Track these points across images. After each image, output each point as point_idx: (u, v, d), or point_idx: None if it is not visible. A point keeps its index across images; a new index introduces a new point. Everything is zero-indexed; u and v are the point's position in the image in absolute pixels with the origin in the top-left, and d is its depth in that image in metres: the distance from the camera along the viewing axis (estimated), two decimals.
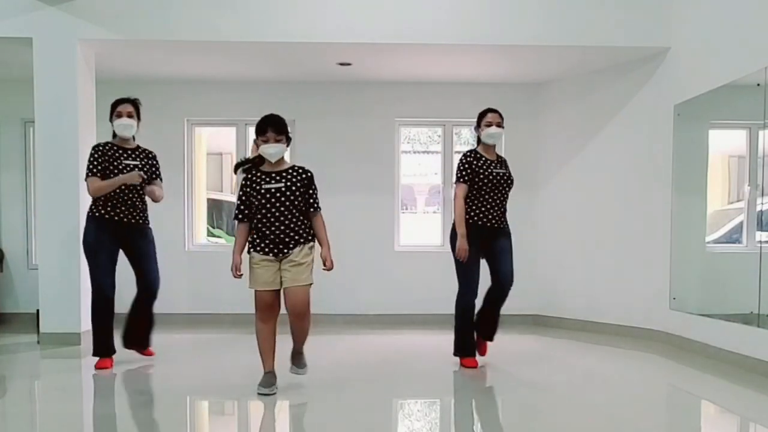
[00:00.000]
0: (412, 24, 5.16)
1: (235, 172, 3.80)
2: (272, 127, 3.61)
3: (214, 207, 7.41)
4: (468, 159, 4.36)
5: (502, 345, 5.08)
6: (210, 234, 7.11)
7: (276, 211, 3.59)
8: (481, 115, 4.44)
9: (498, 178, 4.36)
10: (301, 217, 3.65)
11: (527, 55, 5.51)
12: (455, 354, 4.50)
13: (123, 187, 4.25)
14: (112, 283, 4.33)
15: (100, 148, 4.31)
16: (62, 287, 5.12)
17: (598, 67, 5.85)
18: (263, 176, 3.64)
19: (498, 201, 4.38)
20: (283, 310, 3.66)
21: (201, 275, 6.39)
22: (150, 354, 4.65)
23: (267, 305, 3.63)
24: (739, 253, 4.82)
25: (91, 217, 4.31)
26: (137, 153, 4.40)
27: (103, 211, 4.26)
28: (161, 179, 4.50)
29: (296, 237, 3.62)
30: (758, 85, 4.28)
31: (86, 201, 4.42)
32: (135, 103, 4.39)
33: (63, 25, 5.07)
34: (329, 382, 4.06)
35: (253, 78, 6.29)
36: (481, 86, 6.33)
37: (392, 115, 6.47)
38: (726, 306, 4.79)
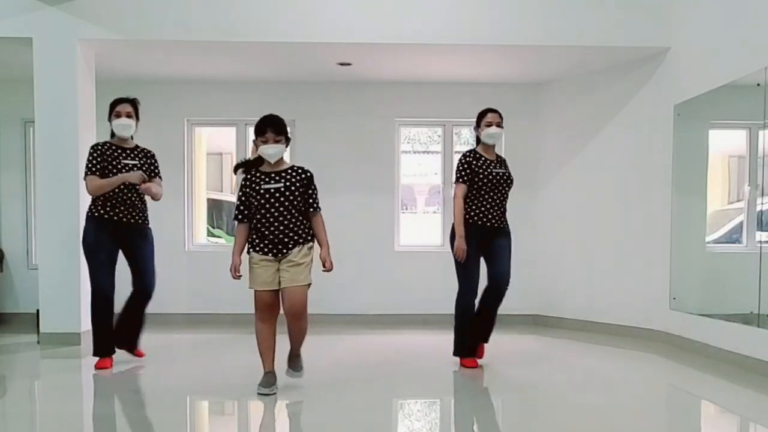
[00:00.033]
0: (412, 24, 5.16)
1: (235, 173, 3.80)
2: (271, 127, 3.60)
3: (214, 207, 7.41)
4: (467, 159, 4.36)
5: (502, 345, 5.09)
6: (210, 234, 7.11)
7: (275, 211, 3.59)
8: (481, 115, 4.44)
9: (498, 177, 4.36)
10: (301, 218, 3.65)
11: (527, 55, 5.51)
12: (455, 354, 4.50)
13: (122, 186, 4.24)
14: (112, 283, 4.32)
15: (99, 147, 4.31)
16: (62, 287, 5.12)
17: (598, 67, 5.85)
18: (262, 176, 3.64)
19: (498, 201, 4.38)
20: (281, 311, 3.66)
21: (201, 275, 6.39)
22: (141, 355, 4.60)
23: (266, 305, 3.63)
24: (739, 253, 4.82)
25: (90, 217, 4.31)
26: (136, 152, 4.39)
27: (102, 211, 4.26)
28: (160, 177, 4.50)
29: (295, 237, 3.62)
30: (758, 85, 4.28)
31: (86, 201, 4.42)
32: (134, 102, 4.39)
33: (63, 25, 5.07)
34: (329, 382, 4.06)
35: (253, 78, 6.29)
36: (481, 86, 6.33)
37: (392, 115, 6.47)
38: (726, 306, 4.79)
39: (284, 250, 3.60)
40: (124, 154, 4.33)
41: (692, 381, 4.34)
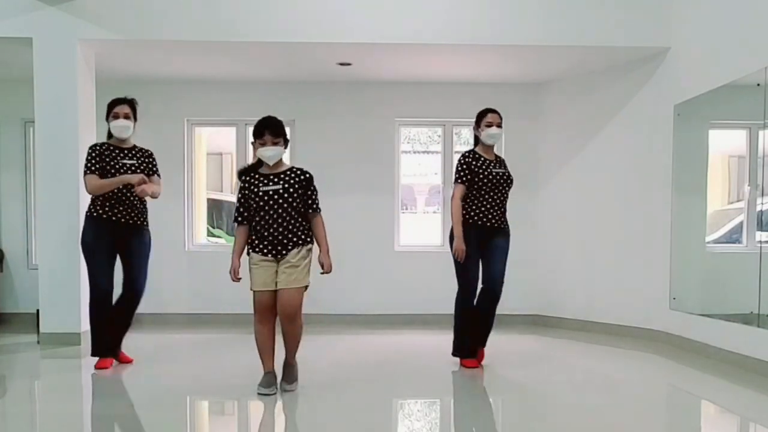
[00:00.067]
0: (412, 24, 5.16)
1: (239, 179, 3.79)
2: (269, 129, 3.60)
3: (214, 207, 7.41)
4: (467, 159, 4.36)
5: (502, 345, 5.09)
6: (210, 234, 7.11)
7: (274, 213, 3.58)
8: (481, 115, 4.44)
9: (498, 177, 4.36)
10: (300, 219, 3.65)
11: (527, 55, 5.51)
12: (454, 354, 4.50)
13: (122, 187, 4.23)
14: (111, 283, 4.32)
15: (97, 147, 4.30)
16: (62, 287, 5.12)
17: (598, 67, 5.85)
18: (261, 178, 3.64)
19: (498, 201, 4.38)
20: None
21: (201, 275, 6.39)
22: (128, 360, 4.52)
23: (265, 306, 3.63)
24: (739, 253, 4.82)
25: (89, 217, 4.31)
26: (134, 152, 4.39)
27: (101, 211, 4.25)
28: (159, 176, 4.48)
29: (294, 239, 3.62)
30: (758, 85, 4.28)
31: (86, 201, 4.41)
32: (132, 103, 4.38)
33: (63, 25, 5.07)
34: (329, 382, 4.06)
35: (253, 78, 6.29)
36: (481, 86, 6.33)
37: (392, 115, 6.47)
38: (726, 306, 4.79)
39: (283, 251, 3.60)
40: (122, 154, 4.32)
41: (692, 381, 4.34)
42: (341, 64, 5.80)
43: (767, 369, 4.13)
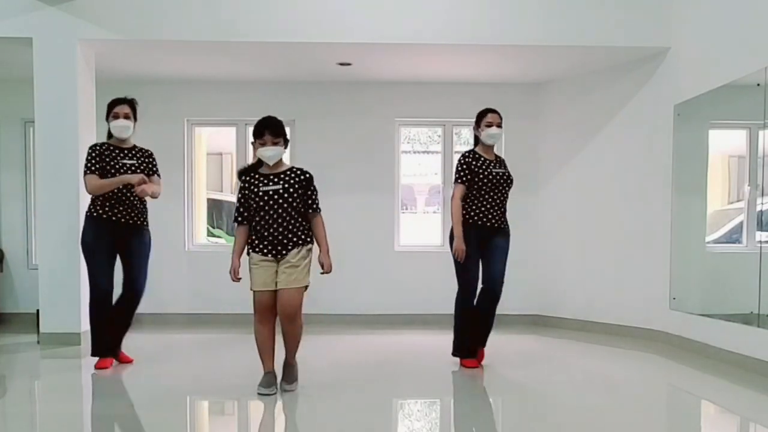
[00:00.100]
0: (412, 24, 5.16)
1: (239, 179, 3.79)
2: (269, 129, 3.60)
3: (214, 207, 7.42)
4: (466, 160, 4.36)
5: (502, 345, 5.09)
6: (210, 234, 7.12)
7: (274, 213, 3.58)
8: (481, 115, 4.43)
9: (498, 177, 4.36)
10: (300, 219, 3.65)
11: (527, 55, 5.51)
12: (454, 354, 4.50)
13: (122, 187, 4.23)
14: (111, 283, 4.31)
15: (97, 148, 4.30)
16: (62, 287, 5.12)
17: (598, 67, 5.85)
18: (261, 178, 3.63)
19: (498, 201, 4.38)
20: None
21: (201, 275, 6.39)
22: (128, 360, 4.53)
23: (264, 306, 3.63)
24: (739, 253, 4.82)
25: (89, 217, 4.31)
26: (134, 152, 4.39)
27: (101, 211, 4.25)
28: (159, 175, 4.48)
29: (294, 239, 3.62)
30: (758, 85, 4.28)
31: (86, 201, 4.41)
32: (132, 103, 4.38)
33: (63, 25, 5.07)
34: (329, 382, 4.06)
35: (253, 78, 6.29)
36: (481, 86, 6.33)
37: (392, 115, 6.47)
38: (726, 306, 4.79)
39: (283, 251, 3.60)
40: (122, 154, 4.32)
41: (692, 381, 4.34)
42: (341, 64, 5.80)
43: (767, 369, 4.13)
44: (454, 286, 4.43)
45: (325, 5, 5.16)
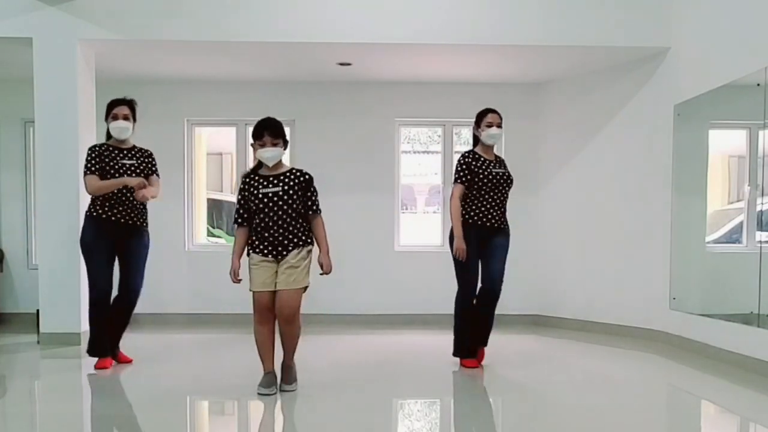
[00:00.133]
0: (412, 24, 5.16)
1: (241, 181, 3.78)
2: (268, 130, 3.60)
3: (214, 207, 7.42)
4: (466, 160, 4.36)
5: (502, 345, 5.09)
6: (210, 234, 7.12)
7: (274, 215, 3.58)
8: (482, 116, 4.43)
9: (497, 177, 4.36)
10: (300, 220, 3.65)
11: (527, 55, 5.51)
12: (455, 354, 4.50)
13: (122, 187, 4.23)
14: (110, 283, 4.31)
15: (97, 148, 4.30)
16: (62, 287, 5.12)
17: (598, 67, 5.85)
18: (261, 180, 3.63)
19: (498, 201, 4.38)
20: None
21: (201, 275, 6.39)
22: (127, 360, 4.53)
23: (264, 307, 3.63)
24: (739, 253, 4.82)
25: (89, 217, 4.31)
26: (133, 152, 4.38)
27: (101, 211, 4.25)
28: (158, 176, 4.47)
29: (295, 240, 3.62)
30: (758, 85, 4.28)
31: (86, 201, 4.41)
32: (131, 104, 4.38)
33: (63, 25, 5.07)
34: (329, 382, 4.06)
35: (253, 78, 6.29)
36: (481, 86, 6.33)
37: (392, 115, 6.47)
38: (726, 306, 4.79)
39: (284, 252, 3.60)
40: (121, 155, 4.32)
41: (692, 381, 4.34)
42: (341, 64, 5.80)
43: (767, 369, 4.13)
44: (454, 286, 4.43)
45: (325, 5, 5.16)
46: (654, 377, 4.49)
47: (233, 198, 5.78)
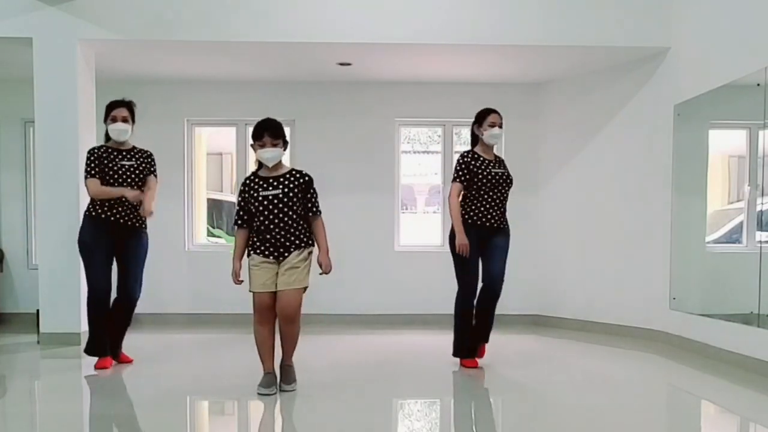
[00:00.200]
0: (412, 24, 5.16)
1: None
2: (268, 131, 3.60)
3: (214, 207, 7.42)
4: (465, 159, 4.37)
5: (502, 345, 5.09)
6: (210, 234, 7.12)
7: (274, 217, 3.58)
8: (483, 116, 4.43)
9: (497, 177, 4.36)
10: (301, 222, 3.65)
11: (527, 55, 5.51)
12: (455, 354, 4.50)
13: (121, 187, 4.24)
14: (108, 283, 4.31)
15: (95, 151, 4.30)
16: (62, 287, 5.12)
17: (598, 67, 5.85)
18: (261, 182, 3.63)
19: (498, 201, 4.38)
20: None
21: (201, 275, 6.39)
22: (128, 360, 4.54)
23: (264, 308, 3.63)
24: (739, 253, 4.82)
25: (88, 217, 4.31)
26: (133, 153, 4.38)
27: (100, 211, 4.25)
28: (156, 176, 4.45)
29: (296, 241, 3.62)
30: (758, 85, 4.28)
31: (86, 201, 4.41)
32: (129, 106, 4.37)
33: (63, 25, 5.07)
34: (329, 382, 4.06)
35: (253, 78, 6.29)
36: (481, 86, 6.33)
37: (392, 115, 6.47)
38: (726, 306, 4.79)
39: (285, 254, 3.60)
40: (120, 156, 4.32)
41: (692, 381, 4.34)
42: (341, 64, 5.80)
43: (767, 369, 4.13)
44: (454, 286, 4.43)
45: (325, 5, 5.16)
46: (654, 377, 4.49)
47: (233, 198, 5.79)
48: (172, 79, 6.32)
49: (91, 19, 5.08)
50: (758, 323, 4.26)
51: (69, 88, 5.13)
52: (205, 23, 5.11)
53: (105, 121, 4.33)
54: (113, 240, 4.29)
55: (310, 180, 3.70)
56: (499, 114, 4.42)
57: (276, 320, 3.67)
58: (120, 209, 4.26)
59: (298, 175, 3.67)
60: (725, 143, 5.22)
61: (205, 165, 6.95)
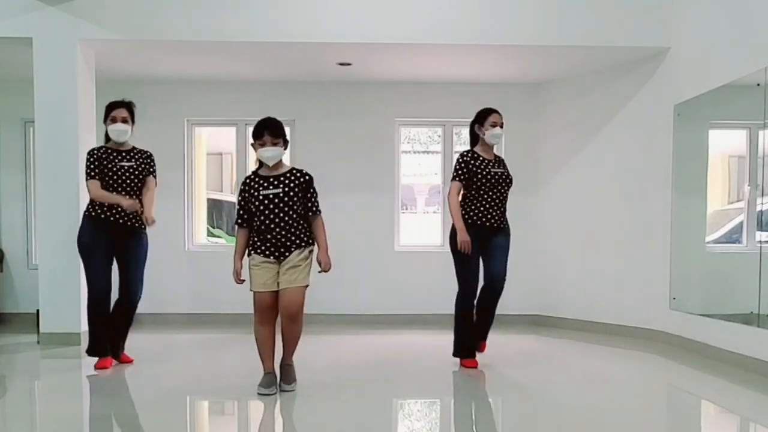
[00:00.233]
0: (412, 24, 5.16)
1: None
2: (268, 130, 3.60)
3: (214, 207, 7.42)
4: (465, 159, 4.37)
5: (502, 345, 5.10)
6: (210, 234, 7.12)
7: (275, 217, 3.58)
8: (485, 115, 4.43)
9: (497, 177, 4.36)
10: (301, 221, 3.65)
11: (528, 55, 5.51)
12: (455, 354, 4.50)
13: (121, 189, 4.24)
14: (108, 283, 4.30)
15: (95, 152, 4.30)
16: (62, 287, 5.12)
17: (598, 67, 5.85)
18: (261, 181, 3.63)
19: (498, 200, 4.38)
20: None
21: (201, 275, 6.39)
22: (128, 360, 4.54)
23: (265, 307, 3.63)
24: (739, 253, 4.82)
25: (87, 217, 4.30)
26: (132, 154, 4.38)
27: (99, 211, 4.25)
28: (155, 176, 4.45)
29: (297, 240, 3.62)
30: (758, 85, 4.28)
31: (86, 201, 4.41)
32: (129, 106, 4.36)
33: (63, 25, 5.07)
34: (329, 382, 4.06)
35: (253, 78, 6.29)
36: (481, 86, 6.33)
37: (392, 115, 6.47)
38: (726, 306, 4.79)
39: (286, 253, 3.60)
40: (120, 157, 4.32)
41: (692, 381, 4.34)
42: (341, 64, 5.80)
43: (767, 369, 4.13)
44: (454, 286, 4.43)
45: (325, 5, 5.16)
46: (654, 377, 4.49)
47: (233, 198, 5.79)
48: (172, 79, 6.32)
49: (91, 19, 5.08)
50: (758, 323, 4.26)
51: (69, 88, 5.13)
52: (205, 23, 5.11)
53: (105, 121, 4.33)
54: (113, 240, 4.29)
55: (311, 179, 3.70)
56: (500, 114, 4.42)
57: (277, 320, 3.67)
58: (120, 209, 4.26)
59: (298, 174, 3.67)
60: (725, 143, 5.22)
61: (205, 165, 6.95)
